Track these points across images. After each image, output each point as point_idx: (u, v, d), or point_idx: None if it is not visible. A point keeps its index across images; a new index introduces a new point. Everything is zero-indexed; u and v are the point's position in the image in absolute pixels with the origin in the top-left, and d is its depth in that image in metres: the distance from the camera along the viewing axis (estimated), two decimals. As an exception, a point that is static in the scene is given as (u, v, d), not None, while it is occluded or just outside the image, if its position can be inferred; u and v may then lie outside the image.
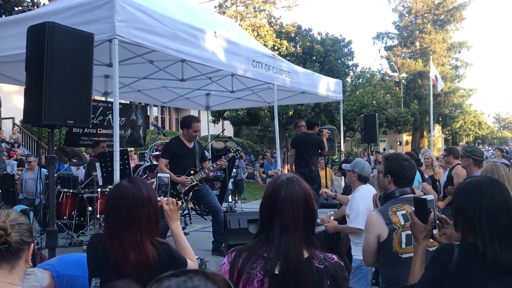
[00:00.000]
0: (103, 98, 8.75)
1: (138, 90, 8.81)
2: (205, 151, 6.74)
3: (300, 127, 9.07)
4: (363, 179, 4.59)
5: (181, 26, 5.19)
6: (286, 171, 13.18)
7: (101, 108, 8.02)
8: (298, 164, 7.93)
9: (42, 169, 5.98)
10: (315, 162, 7.96)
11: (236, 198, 13.58)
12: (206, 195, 5.89)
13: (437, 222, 2.16)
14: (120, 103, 9.01)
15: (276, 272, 1.67)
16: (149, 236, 2.11)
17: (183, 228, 7.63)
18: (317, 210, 1.93)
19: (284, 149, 15.12)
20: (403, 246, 2.75)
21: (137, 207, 2.10)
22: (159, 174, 2.61)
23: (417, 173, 6.85)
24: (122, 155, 5.57)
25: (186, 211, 8.34)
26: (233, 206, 9.66)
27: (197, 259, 4.95)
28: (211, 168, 5.85)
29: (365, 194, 4.50)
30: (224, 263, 1.82)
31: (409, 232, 2.74)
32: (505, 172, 3.55)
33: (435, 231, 2.15)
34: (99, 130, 8.15)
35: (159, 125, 29.27)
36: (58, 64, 3.52)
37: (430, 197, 2.18)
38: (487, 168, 3.62)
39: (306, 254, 1.72)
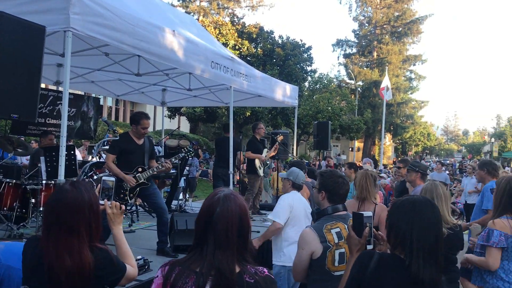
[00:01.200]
0: (54, 87, 8.47)
1: (92, 81, 8.58)
2: (156, 148, 6.65)
3: (260, 129, 9.18)
4: (297, 187, 4.80)
5: (139, 23, 5.10)
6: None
7: (51, 97, 7.77)
8: (217, 164, 8.54)
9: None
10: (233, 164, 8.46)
11: (188, 196, 13.52)
12: (152, 194, 5.82)
13: (374, 238, 2.25)
14: (71, 94, 8.79)
15: (208, 287, 1.70)
16: (87, 242, 2.09)
17: (130, 226, 7.51)
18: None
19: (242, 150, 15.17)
20: (336, 264, 2.81)
21: (77, 212, 2.08)
22: (103, 178, 2.57)
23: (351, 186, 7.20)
24: (69, 150, 5.41)
25: (133, 208, 8.22)
26: (183, 205, 9.61)
27: (141, 259, 4.91)
28: (158, 168, 5.77)
29: (296, 196, 4.69)
30: (157, 276, 1.84)
31: (342, 250, 2.82)
32: (443, 191, 3.79)
33: (370, 247, 2.24)
34: (48, 120, 7.89)
35: (113, 116, 28.52)
36: (5, 55, 3.39)
37: (367, 213, 2.27)
38: (427, 187, 3.82)
39: (237, 269, 1.76)
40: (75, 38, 4.75)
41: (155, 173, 5.82)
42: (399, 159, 8.14)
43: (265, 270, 1.83)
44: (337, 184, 2.97)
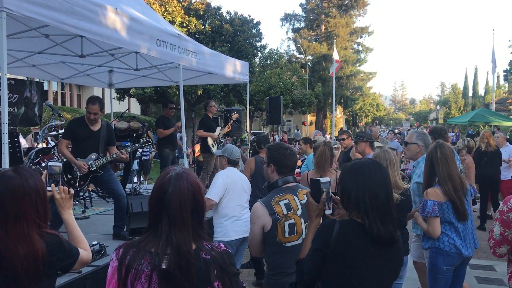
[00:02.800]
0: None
1: (33, 65, 8.19)
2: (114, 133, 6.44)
3: (212, 107, 9.13)
4: (232, 163, 5.00)
5: (78, 1, 4.86)
6: (197, 150, 13.13)
7: (-10, 84, 7.35)
8: (160, 145, 8.85)
9: None
10: (158, 142, 8.90)
11: (142, 179, 13.32)
12: (108, 180, 5.68)
13: (332, 203, 2.29)
14: (12, 79, 8.37)
15: (164, 266, 1.69)
16: (36, 228, 2.03)
17: (83, 212, 7.34)
18: None
19: (193, 128, 15.02)
20: (287, 235, 2.84)
21: (23, 199, 2.02)
22: (49, 163, 2.49)
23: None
24: (12, 138, 5.17)
25: (86, 194, 8.03)
26: (138, 188, 9.48)
27: (97, 244, 4.84)
28: (112, 156, 5.62)
29: (230, 172, 4.89)
30: (112, 259, 1.81)
31: (292, 221, 2.85)
32: (394, 157, 3.98)
33: (328, 211, 2.28)
34: (-12, 108, 7.48)
35: (60, 100, 27.47)
36: None
37: (325, 179, 2.31)
38: (378, 154, 3.99)
39: (193, 247, 1.76)
40: (11, 19, 4.49)
41: (109, 160, 5.67)
42: (339, 131, 8.40)
43: (221, 245, 1.85)
44: (284, 156, 3.00)
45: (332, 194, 2.27)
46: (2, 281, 1.96)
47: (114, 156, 5.59)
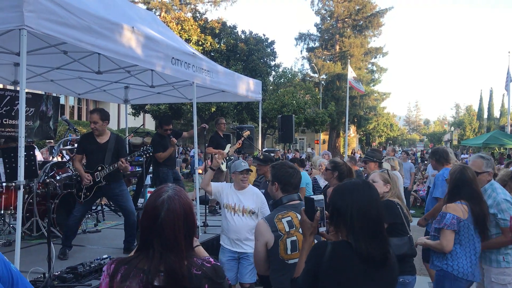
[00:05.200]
0: (12, 87, 8.24)
1: (51, 80, 8.40)
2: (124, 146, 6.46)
3: (220, 124, 9.23)
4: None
5: (95, 20, 5.02)
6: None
7: (8, 97, 7.55)
8: (158, 163, 7.85)
9: None
10: (154, 161, 8.00)
11: (154, 194, 13.38)
12: (120, 195, 5.77)
13: (326, 220, 2.30)
14: (30, 93, 8.57)
15: (156, 283, 1.71)
16: None
17: (95, 225, 7.41)
18: None
19: (206, 145, 15.11)
20: (289, 252, 2.86)
21: None
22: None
23: (306, 175, 7.38)
24: (28, 151, 5.29)
25: (99, 208, 8.12)
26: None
27: (107, 257, 4.89)
28: (114, 166, 5.66)
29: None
30: (104, 273, 1.82)
31: (294, 238, 2.87)
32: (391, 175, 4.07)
33: (322, 229, 2.30)
34: (5, 121, 7.66)
35: (76, 115, 27.84)
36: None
37: (318, 197, 2.32)
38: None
39: (185, 263, 1.77)
40: (32, 36, 4.65)
41: (112, 170, 5.68)
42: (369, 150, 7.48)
43: (211, 259, 1.87)
44: (288, 174, 3.06)
45: (326, 212, 2.29)
46: None
47: (116, 166, 5.62)
